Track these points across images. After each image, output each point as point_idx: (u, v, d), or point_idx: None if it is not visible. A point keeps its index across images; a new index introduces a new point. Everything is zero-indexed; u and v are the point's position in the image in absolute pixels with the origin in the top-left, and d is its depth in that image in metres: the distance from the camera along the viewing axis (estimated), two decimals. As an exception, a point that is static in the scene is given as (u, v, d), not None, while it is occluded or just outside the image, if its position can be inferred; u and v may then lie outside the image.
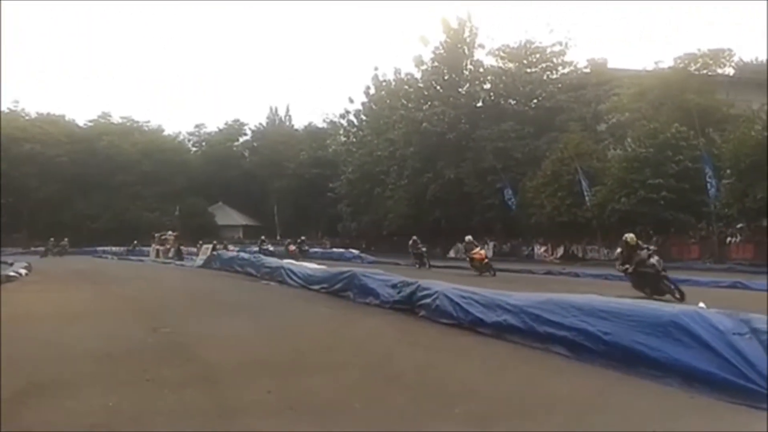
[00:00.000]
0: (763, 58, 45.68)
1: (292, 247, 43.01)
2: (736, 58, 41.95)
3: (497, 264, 26.63)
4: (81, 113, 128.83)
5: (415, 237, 31.64)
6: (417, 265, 29.24)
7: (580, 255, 36.46)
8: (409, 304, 11.14)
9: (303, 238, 48.62)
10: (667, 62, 39.93)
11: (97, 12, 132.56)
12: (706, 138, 32.21)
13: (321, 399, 5.56)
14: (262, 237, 49.38)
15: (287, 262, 21.21)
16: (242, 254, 28.60)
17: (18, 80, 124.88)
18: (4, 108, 68.42)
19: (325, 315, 12.07)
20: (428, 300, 10.41)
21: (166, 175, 71.58)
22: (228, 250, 36.48)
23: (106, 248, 54.84)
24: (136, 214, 67.52)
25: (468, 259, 25.73)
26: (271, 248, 42.68)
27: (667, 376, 5.81)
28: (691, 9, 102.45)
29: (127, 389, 5.87)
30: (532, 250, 40.77)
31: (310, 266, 19.23)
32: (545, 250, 39.53)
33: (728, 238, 31.14)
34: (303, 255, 39.05)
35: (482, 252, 26.15)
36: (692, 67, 38.79)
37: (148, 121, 78.06)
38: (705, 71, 39.44)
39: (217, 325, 10.40)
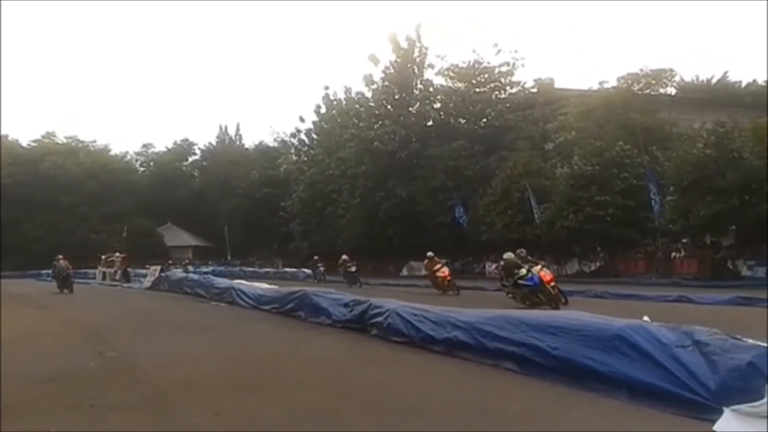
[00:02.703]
0: (702, 77, 47.34)
1: None
2: (677, 78, 43.32)
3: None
4: (24, 133, 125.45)
5: (345, 256, 31.06)
6: (349, 285, 28.12)
7: (531, 271, 36.81)
8: (361, 323, 11.10)
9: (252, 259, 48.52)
10: (612, 82, 40.98)
11: (40, 28, 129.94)
12: (650, 156, 33.03)
13: (270, 420, 5.48)
14: (304, 262, 48.49)
15: (237, 283, 20.95)
16: (191, 275, 28.17)
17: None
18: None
19: (275, 335, 11.95)
20: (380, 318, 10.38)
21: (114, 195, 70.24)
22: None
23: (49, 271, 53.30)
24: (82, 235, 65.86)
25: (430, 277, 24.19)
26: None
27: (613, 389, 5.89)
28: (635, 29, 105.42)
29: (70, 414, 5.71)
30: (484, 267, 41.09)
31: (261, 286, 19.02)
32: (497, 267, 39.84)
33: (673, 254, 31.94)
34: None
35: (445, 270, 24.12)
36: (635, 87, 39.91)
37: (94, 141, 76.47)
38: (648, 91, 40.62)
39: (165, 348, 10.20)
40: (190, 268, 44.66)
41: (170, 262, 45.18)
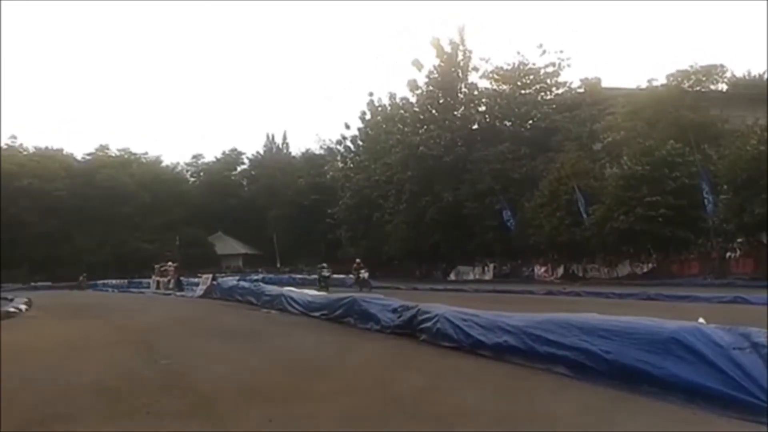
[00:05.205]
0: (755, 72, 46.06)
1: None
2: (728, 74, 42.27)
3: (498, 285, 26.48)
4: (79, 147, 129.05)
5: (358, 260, 31.68)
6: (360, 289, 27.98)
7: (581, 274, 36.43)
8: (409, 329, 11.07)
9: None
10: (661, 80, 40.22)
11: (93, 45, 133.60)
12: (702, 154, 32.35)
13: (322, 425, 5.52)
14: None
15: (287, 290, 21.13)
16: (243, 283, 28.51)
17: (16, 115, 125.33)
18: (2, 143, 68.94)
19: (324, 341, 12.00)
20: (429, 324, 10.33)
21: (165, 205, 71.81)
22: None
23: (105, 281, 54.82)
24: (135, 245, 67.45)
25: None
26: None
27: (668, 392, 5.78)
28: (684, 25, 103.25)
29: (126, 422, 5.82)
30: (533, 270, 40.73)
31: (310, 293, 19.16)
32: (545, 271, 39.48)
33: (728, 253, 31.14)
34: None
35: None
36: (685, 84, 39.11)
37: (146, 153, 78.77)
38: (698, 88, 39.73)
39: (218, 355, 10.33)
40: (325, 273, 41.11)
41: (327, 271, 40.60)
